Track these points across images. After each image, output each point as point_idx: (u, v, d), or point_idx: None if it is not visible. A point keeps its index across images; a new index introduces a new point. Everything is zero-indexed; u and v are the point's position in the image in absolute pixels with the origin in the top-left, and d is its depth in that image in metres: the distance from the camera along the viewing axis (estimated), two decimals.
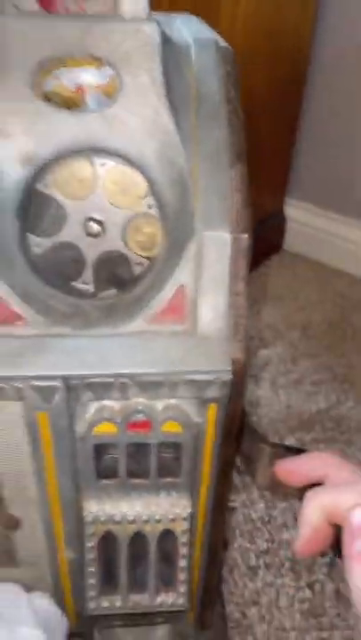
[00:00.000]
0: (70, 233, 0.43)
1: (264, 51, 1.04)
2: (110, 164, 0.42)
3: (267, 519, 0.83)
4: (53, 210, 0.42)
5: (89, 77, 0.39)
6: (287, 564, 0.79)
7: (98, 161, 0.41)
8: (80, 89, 0.39)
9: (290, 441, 0.97)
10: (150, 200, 0.43)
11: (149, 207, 0.43)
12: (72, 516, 0.47)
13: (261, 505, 0.84)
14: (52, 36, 0.38)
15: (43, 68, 0.39)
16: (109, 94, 0.40)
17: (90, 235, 0.44)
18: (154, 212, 0.43)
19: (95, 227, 0.43)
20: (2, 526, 0.49)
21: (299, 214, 1.46)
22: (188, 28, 0.52)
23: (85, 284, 0.44)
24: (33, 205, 0.42)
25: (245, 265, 0.41)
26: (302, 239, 1.46)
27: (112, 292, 0.45)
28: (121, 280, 0.45)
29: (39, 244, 0.43)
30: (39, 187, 0.41)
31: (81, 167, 0.42)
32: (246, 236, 0.40)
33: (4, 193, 0.41)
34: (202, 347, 0.40)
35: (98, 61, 0.39)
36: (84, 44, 0.39)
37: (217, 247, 0.40)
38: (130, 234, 0.44)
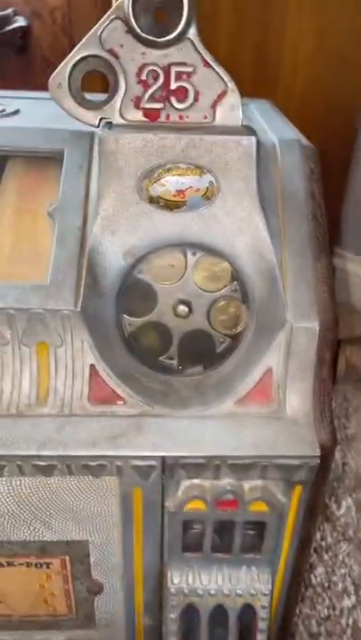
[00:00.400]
0: (160, 313, 0.47)
1: (322, 121, 1.08)
2: (200, 253, 0.45)
3: (327, 585, 0.82)
4: (146, 293, 0.46)
5: (190, 183, 0.43)
6: (349, 632, 0.78)
7: (189, 250, 0.45)
8: (182, 193, 0.44)
9: (347, 502, 0.96)
10: (235, 285, 0.46)
11: (234, 291, 0.46)
12: (153, 586, 0.49)
13: (321, 569, 0.83)
14: (159, 148, 0.43)
15: (150, 176, 0.43)
16: (208, 197, 0.44)
17: (178, 315, 0.47)
18: (238, 295, 0.46)
19: (184, 308, 0.47)
20: (86, 591, 0.51)
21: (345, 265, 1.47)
22: (266, 121, 0.56)
23: (171, 359, 0.47)
24: (129, 288, 0.46)
25: (331, 353, 0.43)
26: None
27: (198, 368, 0.48)
28: (204, 356, 0.48)
29: (132, 323, 0.46)
30: (135, 273, 0.46)
31: (174, 256, 0.46)
32: (334, 328, 0.42)
33: (108, 282, 0.45)
34: (290, 431, 0.42)
35: (200, 170, 0.43)
36: (187, 154, 0.43)
37: (306, 337, 0.42)
38: (214, 314, 0.47)
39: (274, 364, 0.44)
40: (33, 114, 0.55)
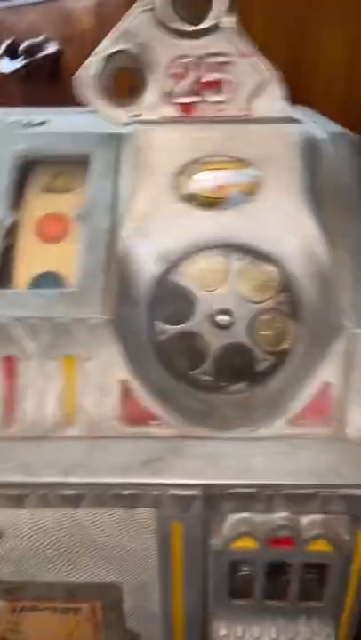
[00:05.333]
0: (196, 322, 0.42)
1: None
2: (247, 258, 0.41)
3: None
4: (183, 299, 0.42)
5: (230, 178, 0.40)
6: None
7: (234, 255, 0.41)
8: (221, 189, 0.40)
9: None
10: (285, 296, 0.41)
11: (281, 303, 0.41)
12: (197, 637, 0.43)
13: None
14: (195, 141, 0.39)
15: (185, 171, 0.40)
16: (250, 193, 0.39)
17: (217, 326, 0.43)
18: (286, 308, 0.41)
19: (223, 318, 0.42)
20: None
21: None
22: (313, 120, 0.52)
23: (205, 374, 0.42)
24: (164, 294, 0.41)
25: None
26: None
27: (242, 385, 0.43)
28: (243, 373, 0.43)
29: (165, 331, 0.42)
30: (172, 276, 0.41)
31: (216, 260, 0.41)
32: None
33: (140, 289, 0.41)
34: (355, 455, 0.36)
35: (240, 163, 0.39)
36: (226, 146, 0.39)
37: None
38: (257, 328, 0.42)
39: (331, 377, 0.38)
40: (59, 123, 0.52)
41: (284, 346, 0.42)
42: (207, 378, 0.42)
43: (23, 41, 0.96)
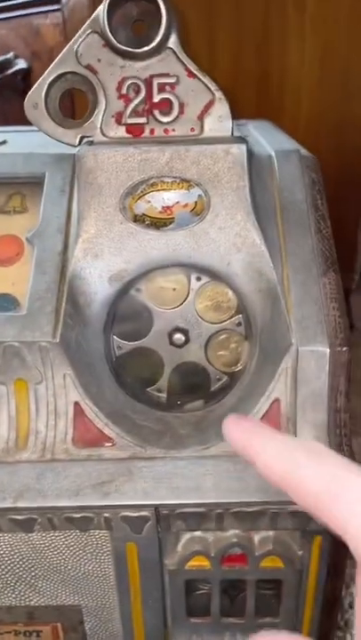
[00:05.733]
0: (154, 340, 0.42)
1: (328, 147, 1.06)
2: (205, 279, 0.41)
3: None
4: (141, 315, 0.42)
5: (177, 198, 0.40)
6: None
7: (194, 275, 0.41)
8: (168, 209, 0.40)
9: None
10: (240, 319, 0.42)
11: (237, 325, 0.42)
12: None
13: None
14: (141, 162, 0.40)
15: (133, 193, 0.40)
16: (197, 213, 0.40)
17: (173, 344, 0.43)
18: (241, 330, 0.42)
19: (180, 337, 0.43)
20: None
21: None
22: (264, 136, 0.53)
23: (160, 391, 0.43)
24: (122, 309, 0.42)
25: (346, 379, 0.38)
26: None
27: (197, 404, 0.43)
28: (197, 392, 0.43)
29: (122, 346, 0.42)
30: (132, 292, 0.42)
31: (177, 279, 0.42)
32: (346, 349, 0.37)
33: (93, 310, 0.41)
34: None
35: (187, 183, 0.39)
36: (173, 167, 0.39)
37: (315, 361, 0.37)
38: (213, 348, 0.43)
39: (281, 393, 0.39)
40: (20, 143, 0.53)
41: (239, 367, 0.42)
42: (161, 395, 0.42)
43: None
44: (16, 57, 0.96)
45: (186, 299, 0.42)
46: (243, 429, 0.28)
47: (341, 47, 1.05)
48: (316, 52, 1.04)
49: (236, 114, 0.44)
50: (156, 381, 0.42)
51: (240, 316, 0.41)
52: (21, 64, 0.95)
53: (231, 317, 0.42)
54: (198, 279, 0.42)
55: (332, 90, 1.05)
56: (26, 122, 0.58)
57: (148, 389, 0.42)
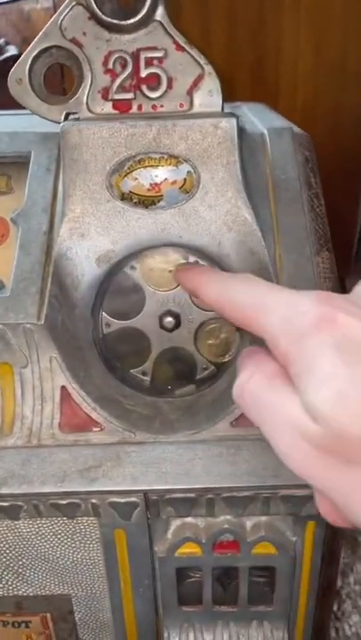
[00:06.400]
0: (144, 321, 0.41)
1: (324, 132, 1.04)
2: (203, 263, 0.40)
3: None
4: (134, 295, 0.41)
5: (165, 175, 0.39)
6: None
7: (192, 258, 0.40)
8: (156, 186, 0.39)
9: None
10: None
11: None
12: None
13: (356, 618, 0.73)
14: (128, 137, 0.38)
15: (120, 170, 0.39)
16: (187, 190, 0.39)
17: (163, 327, 0.42)
18: None
19: (170, 321, 0.41)
20: None
21: None
22: (257, 116, 0.51)
23: (144, 374, 0.42)
24: (114, 286, 0.40)
25: None
26: None
27: (188, 389, 0.42)
28: (181, 378, 0.42)
29: (110, 323, 0.41)
30: (127, 269, 0.40)
31: (174, 260, 0.40)
32: None
33: (80, 291, 0.40)
34: None
35: (175, 159, 0.38)
36: (160, 143, 0.38)
37: None
38: (203, 336, 0.41)
39: None
40: (4, 124, 0.51)
41: (227, 358, 0.41)
42: (145, 378, 0.41)
43: None
44: (7, 43, 0.94)
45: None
46: (189, 271, 0.35)
47: (337, 32, 1.03)
48: (312, 36, 1.03)
49: (232, 98, 0.43)
50: (141, 364, 0.41)
51: None
52: (12, 50, 0.94)
53: None
54: (196, 263, 0.40)
55: (327, 75, 1.03)
56: (17, 108, 0.57)
57: (133, 371, 0.41)
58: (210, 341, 0.42)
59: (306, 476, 0.23)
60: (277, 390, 0.24)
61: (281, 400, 0.23)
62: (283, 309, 0.24)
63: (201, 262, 0.40)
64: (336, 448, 0.21)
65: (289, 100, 1.07)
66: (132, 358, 0.41)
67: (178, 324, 0.41)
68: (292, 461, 0.23)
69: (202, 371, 0.41)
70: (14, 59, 1.00)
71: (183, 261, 0.39)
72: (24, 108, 0.43)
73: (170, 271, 0.40)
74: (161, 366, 0.42)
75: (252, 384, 0.25)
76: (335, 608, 0.60)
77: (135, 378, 0.41)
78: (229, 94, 0.43)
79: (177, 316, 0.41)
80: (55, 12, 1.00)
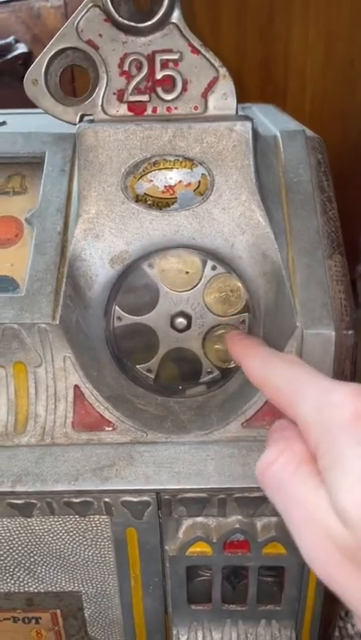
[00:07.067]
0: (155, 319, 0.42)
1: (333, 131, 1.04)
2: (220, 270, 0.40)
3: None
4: (148, 292, 0.41)
5: (180, 178, 0.39)
6: None
7: (210, 263, 0.40)
8: (171, 189, 0.39)
9: None
10: (246, 317, 0.41)
11: (241, 322, 0.41)
12: None
13: None
14: (143, 140, 0.39)
15: (135, 172, 0.39)
16: (201, 193, 0.39)
17: (173, 327, 0.42)
18: (244, 328, 0.41)
19: (182, 321, 0.42)
20: None
21: None
22: (269, 118, 0.52)
23: (149, 371, 0.42)
24: (130, 281, 0.41)
25: (352, 363, 0.37)
26: None
27: (200, 389, 0.43)
28: (184, 380, 0.42)
29: (122, 317, 0.41)
30: (144, 266, 0.41)
31: (192, 263, 0.41)
32: (352, 332, 0.36)
33: (94, 291, 0.40)
34: None
35: (190, 162, 0.38)
36: (175, 145, 0.38)
37: (320, 345, 0.36)
38: (211, 340, 0.42)
39: None
40: (19, 124, 0.52)
41: (233, 364, 0.42)
42: (150, 375, 0.41)
43: None
44: (17, 41, 0.95)
45: (196, 285, 0.41)
46: (238, 342, 0.36)
47: (345, 32, 1.03)
48: (321, 36, 1.03)
49: (241, 98, 0.43)
50: (147, 360, 0.41)
51: (246, 314, 0.40)
52: (22, 48, 0.94)
53: (237, 314, 0.41)
54: (214, 268, 0.41)
55: (336, 74, 1.03)
56: (26, 107, 0.57)
57: (138, 367, 0.41)
58: (217, 346, 0.42)
59: (329, 582, 0.21)
60: (305, 480, 0.22)
61: (308, 493, 0.22)
62: (317, 398, 0.24)
63: (221, 271, 0.40)
64: None
65: (297, 100, 1.08)
66: (139, 354, 0.41)
67: (189, 326, 0.42)
68: (316, 564, 0.21)
69: (206, 374, 0.42)
70: (24, 56, 1.01)
71: (235, 330, 0.40)
72: (36, 106, 0.43)
73: (187, 273, 0.40)
74: (166, 365, 0.42)
75: (279, 466, 0.24)
76: (340, 608, 0.60)
77: (140, 374, 0.41)
78: (239, 93, 0.43)
79: (189, 318, 0.42)
80: (65, 9, 1.00)
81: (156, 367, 0.42)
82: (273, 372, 0.29)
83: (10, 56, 0.95)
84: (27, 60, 0.96)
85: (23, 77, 0.98)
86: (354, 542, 0.19)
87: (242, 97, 0.47)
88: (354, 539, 0.19)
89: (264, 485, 0.25)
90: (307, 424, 0.23)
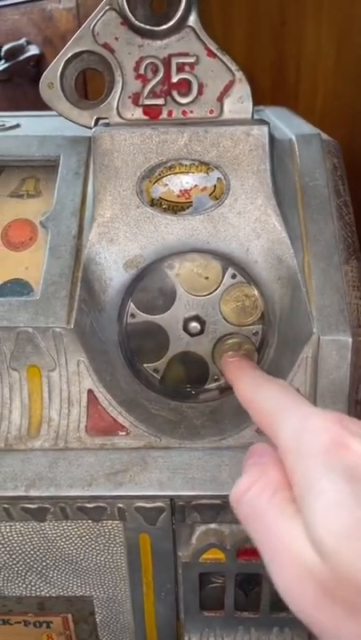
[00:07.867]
0: (169, 320, 0.41)
1: (344, 134, 1.04)
2: (240, 278, 0.40)
3: None
4: (165, 292, 0.41)
5: (196, 182, 0.39)
6: None
7: (230, 271, 0.40)
8: (186, 193, 0.39)
9: None
10: (259, 328, 0.40)
11: (254, 334, 0.41)
12: None
13: None
14: (159, 144, 0.38)
15: (150, 176, 0.39)
16: (216, 197, 0.39)
17: (186, 330, 0.42)
18: (257, 339, 0.41)
19: (196, 326, 0.42)
20: None
21: None
22: (283, 121, 0.51)
23: (156, 372, 0.42)
24: (149, 279, 0.41)
25: None
26: None
27: (213, 393, 0.42)
28: (191, 384, 0.42)
29: (136, 314, 0.41)
30: (164, 267, 0.41)
31: (212, 269, 0.41)
32: None
33: (108, 295, 0.40)
34: None
35: (206, 166, 0.38)
36: (191, 149, 0.38)
37: (337, 351, 0.36)
38: (222, 347, 0.41)
39: (300, 383, 0.37)
40: (32, 127, 0.52)
41: None
42: (156, 376, 0.41)
43: (4, 44, 0.95)
44: (28, 43, 0.95)
45: (214, 291, 0.41)
46: (231, 363, 0.37)
47: (358, 34, 1.02)
48: (333, 38, 1.02)
49: (253, 100, 0.43)
50: (155, 361, 0.41)
51: (260, 326, 0.40)
52: (33, 50, 0.94)
53: (251, 325, 0.41)
54: (234, 277, 0.40)
55: (348, 77, 1.03)
56: (37, 109, 0.57)
57: (145, 365, 0.41)
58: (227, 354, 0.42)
59: (305, 618, 0.20)
60: (281, 509, 0.21)
61: (284, 523, 0.20)
62: (296, 424, 0.23)
63: (241, 280, 0.40)
64: (342, 592, 0.18)
65: (309, 102, 1.07)
66: (148, 354, 0.41)
67: (202, 331, 0.42)
68: (292, 600, 0.20)
69: (212, 381, 0.41)
70: (35, 58, 1.01)
71: (230, 353, 0.40)
72: (49, 108, 0.43)
73: (206, 278, 0.40)
74: (173, 367, 0.42)
75: (253, 493, 0.22)
76: None
77: (145, 372, 0.41)
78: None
79: (203, 323, 0.41)
80: (77, 12, 1.00)
81: (163, 368, 0.41)
82: (260, 395, 0.29)
83: (21, 58, 0.95)
84: (38, 61, 0.96)
85: (34, 79, 0.99)
86: (330, 574, 0.18)
87: (253, 98, 0.46)
88: (330, 570, 0.18)
89: (238, 514, 0.23)
90: (285, 449, 0.23)
